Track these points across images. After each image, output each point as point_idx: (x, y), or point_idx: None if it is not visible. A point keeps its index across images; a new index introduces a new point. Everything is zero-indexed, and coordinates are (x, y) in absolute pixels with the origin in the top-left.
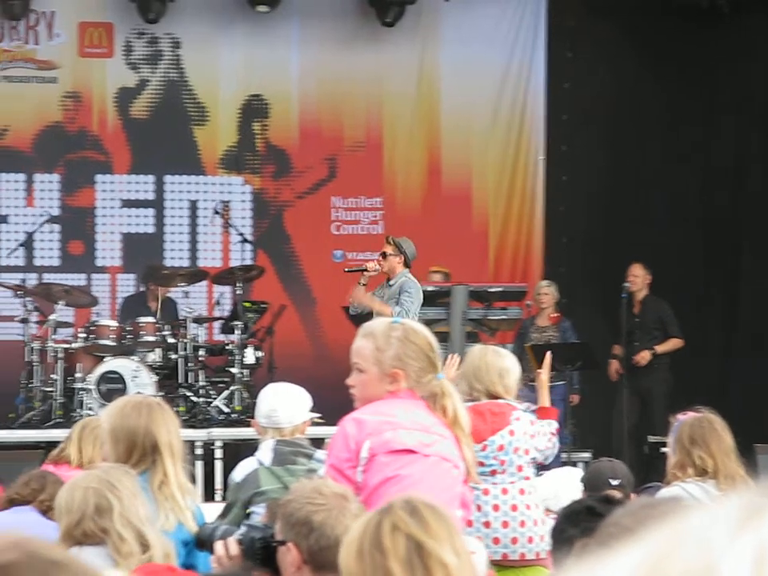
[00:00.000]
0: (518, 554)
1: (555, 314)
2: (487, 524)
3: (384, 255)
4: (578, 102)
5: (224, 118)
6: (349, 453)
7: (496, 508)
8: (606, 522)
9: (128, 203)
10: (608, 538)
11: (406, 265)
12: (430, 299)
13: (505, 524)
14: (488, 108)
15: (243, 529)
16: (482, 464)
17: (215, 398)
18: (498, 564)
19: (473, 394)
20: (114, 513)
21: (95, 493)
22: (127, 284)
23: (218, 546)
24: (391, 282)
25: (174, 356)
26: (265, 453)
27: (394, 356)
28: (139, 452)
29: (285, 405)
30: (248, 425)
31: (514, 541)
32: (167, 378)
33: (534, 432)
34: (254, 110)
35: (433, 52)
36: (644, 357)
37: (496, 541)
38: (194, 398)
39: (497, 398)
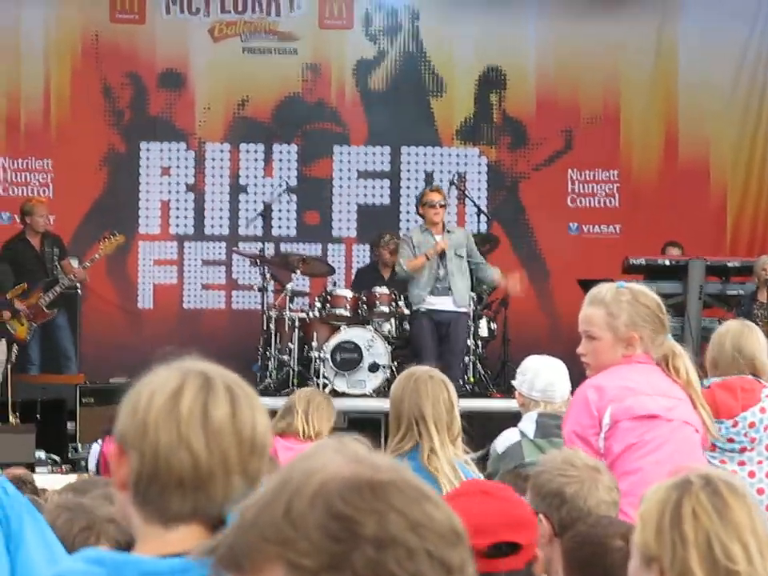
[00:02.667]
0: None
1: None
2: None
3: (441, 205)
4: None
5: (461, 90)
6: (591, 419)
7: None
8: None
9: (364, 174)
10: None
11: None
12: (666, 272)
13: None
14: (727, 80)
15: None
16: (731, 440)
17: None
18: None
19: (731, 371)
20: None
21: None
22: (362, 254)
23: None
24: (449, 229)
25: (408, 326)
26: (528, 424)
27: (628, 320)
28: (405, 425)
29: (561, 379)
30: (483, 395)
31: None
32: (402, 348)
33: None
34: (490, 81)
35: (671, 22)
36: None
37: None
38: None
39: (752, 374)
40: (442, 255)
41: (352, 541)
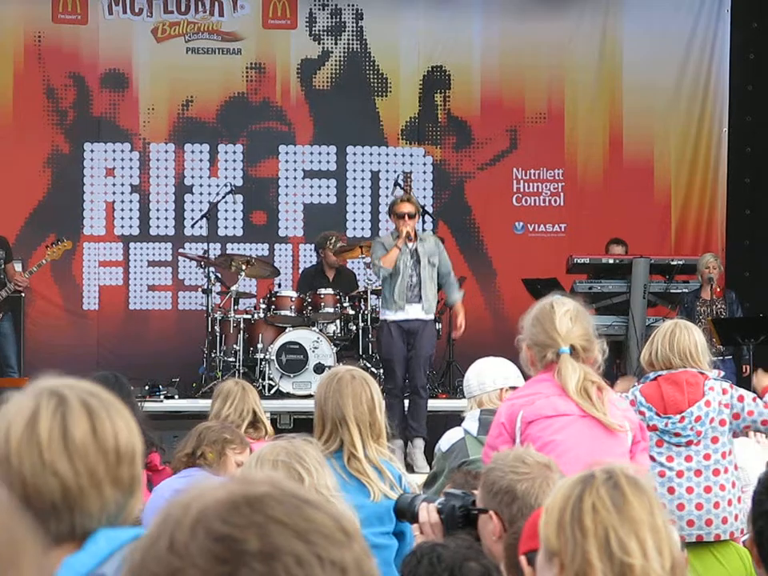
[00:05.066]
0: (712, 535)
1: (719, 288)
2: (681, 506)
3: (411, 216)
4: (764, 73)
5: (406, 90)
6: (499, 429)
7: (690, 490)
8: None
9: (310, 174)
10: None
11: None
12: (611, 271)
13: (699, 506)
14: (671, 78)
15: (442, 497)
16: (678, 435)
17: None
18: (689, 544)
19: (668, 364)
20: (304, 485)
21: (284, 466)
22: (309, 254)
23: (422, 512)
24: (421, 237)
25: (353, 327)
26: (471, 423)
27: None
28: (330, 426)
29: (480, 374)
30: (434, 396)
31: (708, 522)
32: (347, 350)
33: (728, 401)
34: (435, 81)
35: (615, 21)
36: None
37: (690, 523)
38: (374, 370)
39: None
40: (416, 263)
41: (238, 559)
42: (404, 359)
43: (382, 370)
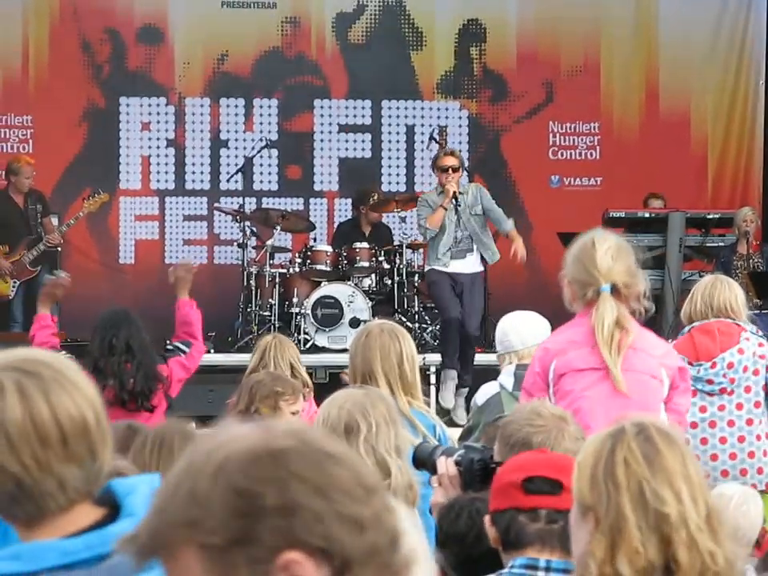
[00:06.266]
0: (748, 485)
1: (756, 242)
2: (714, 456)
3: (456, 169)
4: None
5: (441, 43)
6: (534, 377)
7: (723, 440)
8: None
9: (345, 128)
10: None
11: None
12: (647, 225)
13: (732, 455)
14: (708, 30)
15: (462, 450)
16: (710, 382)
17: (430, 325)
18: None
19: (706, 317)
20: (360, 436)
21: (348, 413)
22: (344, 209)
23: (440, 464)
24: (461, 191)
25: (389, 281)
26: (506, 378)
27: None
28: (360, 380)
29: (516, 329)
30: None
31: (743, 472)
32: (382, 304)
33: (763, 353)
34: (471, 34)
35: None
36: None
37: (724, 473)
38: (409, 324)
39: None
40: (458, 218)
41: (256, 513)
42: (456, 301)
43: (428, 319)
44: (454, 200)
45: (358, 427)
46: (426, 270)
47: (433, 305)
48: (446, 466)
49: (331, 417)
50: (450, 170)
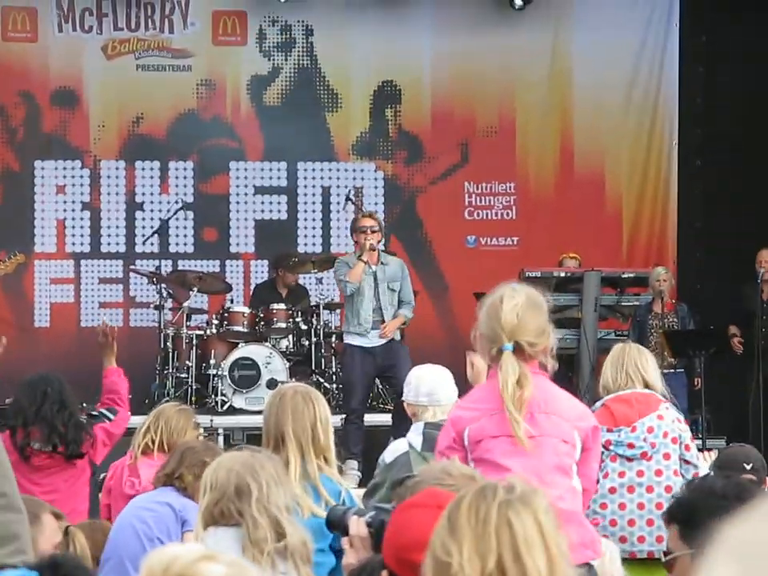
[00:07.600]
0: (645, 553)
1: (671, 301)
2: (631, 522)
3: (373, 231)
4: (712, 86)
5: (356, 105)
6: (448, 439)
7: (641, 506)
8: None
9: (261, 190)
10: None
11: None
12: (562, 285)
13: (650, 522)
14: (621, 91)
15: (373, 511)
16: (631, 446)
17: None
18: (640, 560)
19: (621, 384)
20: (252, 497)
21: (237, 475)
22: (261, 270)
23: (352, 524)
24: (384, 261)
25: (306, 342)
26: (414, 437)
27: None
28: (273, 443)
29: (444, 383)
30: (380, 411)
31: (659, 540)
32: (300, 364)
33: (682, 427)
34: (386, 96)
35: (565, 35)
36: None
37: (641, 539)
38: (327, 385)
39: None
40: (376, 286)
41: None
42: (366, 384)
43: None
44: (372, 266)
45: (249, 489)
46: (343, 335)
47: None
48: (357, 526)
49: (220, 480)
50: (369, 230)
